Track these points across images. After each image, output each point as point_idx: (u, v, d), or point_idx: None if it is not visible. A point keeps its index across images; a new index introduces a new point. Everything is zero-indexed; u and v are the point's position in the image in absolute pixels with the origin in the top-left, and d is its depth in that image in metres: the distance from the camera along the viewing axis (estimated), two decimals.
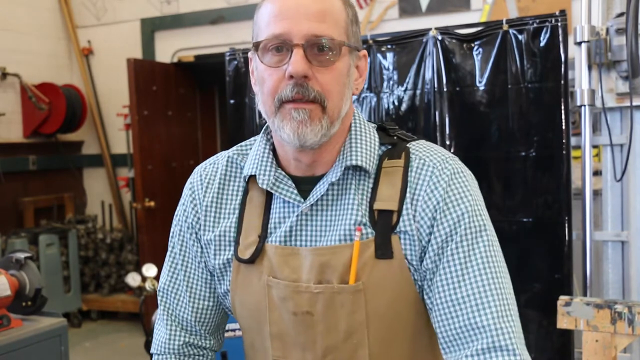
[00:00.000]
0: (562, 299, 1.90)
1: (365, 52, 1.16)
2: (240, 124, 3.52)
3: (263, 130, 1.20)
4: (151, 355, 1.29)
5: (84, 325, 5.38)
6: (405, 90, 3.09)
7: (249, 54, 1.15)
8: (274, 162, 1.16)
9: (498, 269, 1.06)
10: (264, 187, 1.14)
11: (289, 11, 1.05)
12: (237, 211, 1.19)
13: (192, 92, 5.54)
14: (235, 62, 3.47)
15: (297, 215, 1.13)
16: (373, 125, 1.21)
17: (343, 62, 1.09)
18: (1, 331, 2.08)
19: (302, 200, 1.13)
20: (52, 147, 5.63)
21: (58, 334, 2.22)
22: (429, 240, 1.08)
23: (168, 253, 1.27)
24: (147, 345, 3.15)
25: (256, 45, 1.09)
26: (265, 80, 1.09)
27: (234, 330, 2.91)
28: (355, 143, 1.13)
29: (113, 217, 5.81)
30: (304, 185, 1.14)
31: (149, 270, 3.19)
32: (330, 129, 1.09)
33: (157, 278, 3.21)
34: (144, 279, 3.21)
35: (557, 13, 2.82)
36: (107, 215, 5.82)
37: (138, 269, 4.38)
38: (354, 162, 1.11)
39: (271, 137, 1.19)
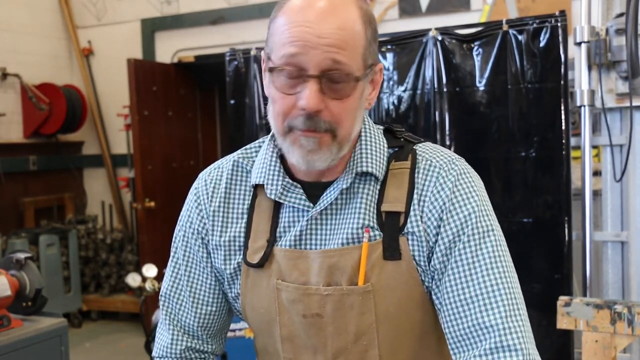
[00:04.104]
0: (562, 299, 1.90)
1: (381, 65, 1.14)
2: (240, 124, 3.52)
3: (270, 136, 1.19)
4: (151, 356, 1.29)
5: (84, 326, 5.38)
6: (405, 91, 3.10)
7: (262, 54, 1.12)
8: (282, 169, 1.15)
9: (505, 268, 1.06)
10: (272, 197, 1.14)
11: (307, 38, 1.00)
12: (245, 216, 1.18)
13: (193, 93, 5.54)
14: (236, 63, 3.48)
15: (307, 220, 1.13)
16: (380, 127, 1.20)
17: (358, 90, 1.06)
18: (1, 331, 2.08)
19: (312, 205, 1.13)
20: (53, 148, 5.63)
21: (58, 334, 2.22)
22: (436, 241, 1.08)
23: (170, 258, 1.27)
24: (147, 345, 3.16)
25: (271, 69, 1.06)
26: (276, 102, 1.07)
27: (233, 330, 2.91)
28: (366, 149, 1.13)
29: (113, 217, 5.81)
30: (313, 190, 1.14)
31: (149, 270, 3.19)
32: (340, 152, 1.08)
33: (157, 278, 3.21)
34: (144, 279, 3.21)
35: (556, 13, 2.82)
36: (107, 215, 5.82)
37: (138, 269, 4.38)
38: (364, 169, 1.11)
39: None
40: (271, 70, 1.06)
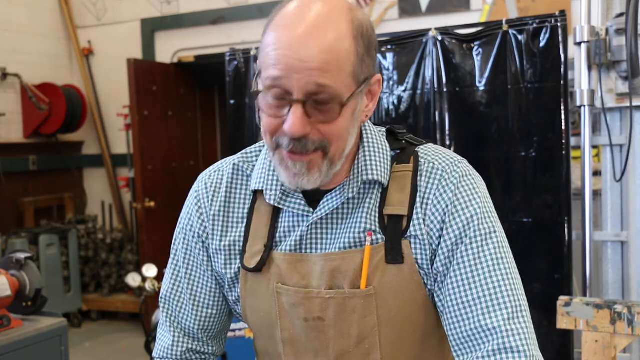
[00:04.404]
0: (562, 299, 1.90)
1: (379, 76, 1.10)
2: (240, 124, 3.52)
3: None
4: (152, 356, 1.29)
5: (84, 326, 5.38)
6: (405, 91, 3.10)
7: (256, 66, 1.10)
8: None
9: (508, 270, 1.06)
10: (271, 202, 1.13)
11: (290, 62, 0.98)
12: (245, 220, 1.18)
13: (192, 93, 5.54)
14: (236, 63, 3.48)
15: (308, 226, 1.12)
16: (381, 129, 1.19)
17: (348, 109, 1.03)
18: (1, 331, 2.08)
19: (312, 211, 1.12)
20: (53, 148, 5.63)
21: (58, 334, 2.22)
22: (439, 243, 1.08)
23: (170, 260, 1.27)
24: (148, 345, 3.16)
25: (256, 92, 1.04)
26: (263, 120, 1.05)
27: (233, 330, 2.91)
28: (370, 156, 1.12)
29: (113, 217, 5.81)
30: (313, 195, 1.13)
31: (149, 270, 3.19)
32: (332, 169, 1.06)
33: (157, 278, 3.21)
34: (144, 279, 3.21)
35: (556, 13, 2.82)
36: (107, 215, 5.82)
37: (138, 269, 4.38)
38: (370, 177, 1.10)
39: None
40: (256, 92, 1.04)
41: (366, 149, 1.13)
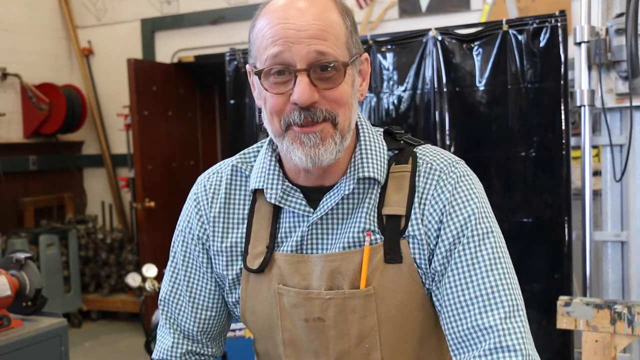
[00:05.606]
0: (562, 299, 1.90)
1: (366, 55, 1.14)
2: (240, 124, 3.52)
3: (268, 141, 1.19)
4: (151, 357, 1.29)
5: (84, 326, 5.38)
6: (405, 91, 3.10)
7: (247, 67, 1.13)
8: (281, 174, 1.15)
9: (505, 269, 1.07)
10: (272, 201, 1.14)
11: (288, 34, 1.02)
12: (245, 221, 1.18)
13: (192, 92, 5.54)
14: (236, 63, 3.48)
15: (309, 226, 1.13)
16: (379, 129, 1.20)
17: (348, 77, 1.06)
18: (1, 331, 2.08)
19: (312, 210, 1.13)
20: (53, 148, 5.63)
21: (58, 334, 2.22)
22: (437, 243, 1.09)
23: (169, 263, 1.27)
24: (148, 345, 3.15)
25: (257, 73, 1.06)
26: (268, 101, 1.07)
27: (233, 330, 2.91)
28: (366, 153, 1.13)
29: (113, 217, 5.81)
30: (313, 194, 1.14)
31: (149, 270, 3.19)
32: (343, 142, 1.08)
33: (157, 278, 3.21)
34: (144, 279, 3.21)
35: (556, 13, 2.82)
36: (107, 215, 5.82)
37: (138, 269, 4.38)
38: (366, 174, 1.11)
39: (277, 147, 1.17)
40: (259, 74, 1.06)
41: (363, 146, 1.14)
